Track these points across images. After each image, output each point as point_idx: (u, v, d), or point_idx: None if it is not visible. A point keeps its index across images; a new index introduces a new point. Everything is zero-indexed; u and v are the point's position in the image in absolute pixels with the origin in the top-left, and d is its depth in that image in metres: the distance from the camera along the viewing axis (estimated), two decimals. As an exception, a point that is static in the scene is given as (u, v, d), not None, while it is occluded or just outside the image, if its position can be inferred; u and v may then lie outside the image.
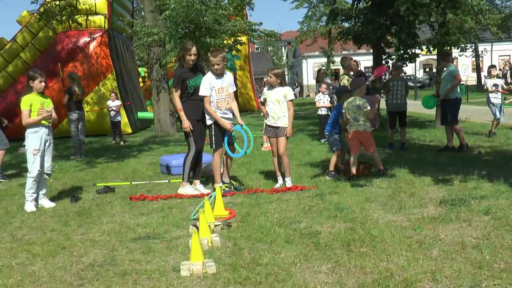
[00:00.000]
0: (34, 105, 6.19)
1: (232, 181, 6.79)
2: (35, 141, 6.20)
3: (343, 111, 7.13)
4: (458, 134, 8.89)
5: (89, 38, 17.80)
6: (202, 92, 6.34)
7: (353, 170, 6.89)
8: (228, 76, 6.64)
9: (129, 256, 4.19)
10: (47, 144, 6.36)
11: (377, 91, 10.12)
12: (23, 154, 12.55)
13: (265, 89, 6.91)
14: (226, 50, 16.78)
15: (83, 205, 6.30)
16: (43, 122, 6.27)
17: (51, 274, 3.87)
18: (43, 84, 6.29)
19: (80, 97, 11.36)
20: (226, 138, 6.48)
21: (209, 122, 6.46)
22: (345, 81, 10.72)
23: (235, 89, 6.79)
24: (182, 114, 6.43)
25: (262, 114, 11.03)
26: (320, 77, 13.26)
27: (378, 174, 6.93)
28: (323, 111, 11.37)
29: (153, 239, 4.64)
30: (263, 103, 6.95)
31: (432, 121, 14.02)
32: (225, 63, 6.53)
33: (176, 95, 6.47)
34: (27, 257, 4.32)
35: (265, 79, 16.51)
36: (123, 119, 16.21)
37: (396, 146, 9.59)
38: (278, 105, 6.60)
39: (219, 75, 6.43)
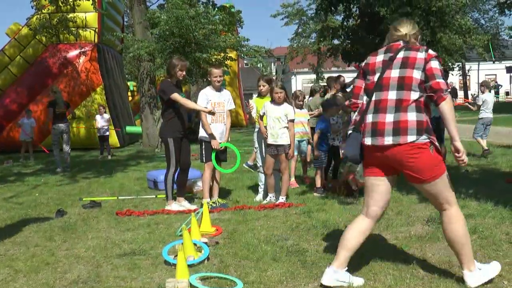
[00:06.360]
0: None
1: (218, 199, 6.68)
2: None
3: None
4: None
5: (79, 52, 17.79)
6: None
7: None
8: (226, 92, 6.65)
9: (114, 273, 4.13)
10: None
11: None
12: (10, 167, 12.56)
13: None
14: None
15: (68, 220, 6.21)
16: None
17: (34, 291, 3.80)
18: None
19: (62, 110, 11.26)
20: (214, 154, 6.44)
21: (200, 136, 6.47)
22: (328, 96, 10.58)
23: (233, 106, 6.79)
24: (197, 107, 6.35)
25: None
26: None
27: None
28: None
29: (139, 255, 4.59)
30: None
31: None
32: None
33: (180, 97, 6.30)
34: (9, 273, 4.23)
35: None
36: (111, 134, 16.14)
37: None
38: (278, 122, 6.49)
39: (217, 89, 6.46)
